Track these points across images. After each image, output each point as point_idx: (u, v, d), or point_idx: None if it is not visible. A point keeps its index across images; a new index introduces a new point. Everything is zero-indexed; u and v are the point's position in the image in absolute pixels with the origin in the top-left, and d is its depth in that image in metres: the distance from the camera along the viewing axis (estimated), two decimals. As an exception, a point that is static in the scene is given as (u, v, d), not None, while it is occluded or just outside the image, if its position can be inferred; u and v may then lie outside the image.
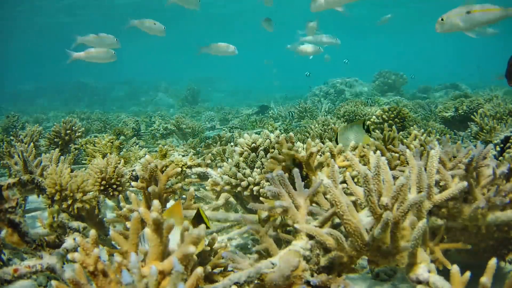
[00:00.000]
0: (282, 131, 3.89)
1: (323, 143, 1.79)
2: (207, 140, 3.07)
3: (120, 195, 1.58)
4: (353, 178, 1.44)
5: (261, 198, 1.54)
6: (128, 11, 15.54)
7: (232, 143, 2.72)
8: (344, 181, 1.18)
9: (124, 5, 14.89)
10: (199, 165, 1.97)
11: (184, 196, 2.02)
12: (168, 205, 1.40)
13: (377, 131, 2.06)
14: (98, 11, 15.42)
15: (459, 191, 1.04)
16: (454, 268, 0.78)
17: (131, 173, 2.02)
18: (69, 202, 1.47)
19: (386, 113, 3.09)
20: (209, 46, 4.05)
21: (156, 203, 0.81)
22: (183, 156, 2.45)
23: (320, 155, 1.51)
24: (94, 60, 3.74)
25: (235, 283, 0.84)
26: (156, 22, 3.67)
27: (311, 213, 1.10)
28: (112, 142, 2.61)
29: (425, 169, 1.05)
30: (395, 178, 1.09)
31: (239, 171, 1.62)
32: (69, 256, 0.75)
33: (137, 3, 14.69)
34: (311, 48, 4.94)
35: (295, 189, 1.08)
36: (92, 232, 0.80)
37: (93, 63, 3.61)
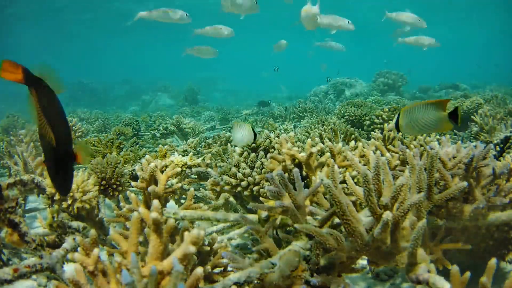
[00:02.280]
0: (282, 130, 3.89)
1: (323, 143, 1.79)
2: (207, 140, 3.07)
3: (120, 195, 1.58)
4: (353, 178, 1.44)
5: (261, 198, 1.54)
6: (128, 11, 15.53)
7: (232, 143, 2.72)
8: (344, 181, 1.18)
9: (125, 7, 14.89)
10: (199, 165, 1.97)
11: (184, 196, 2.02)
12: (168, 205, 1.40)
13: (377, 131, 2.06)
14: (99, 11, 15.42)
15: (459, 191, 1.04)
16: (454, 268, 0.78)
17: (131, 173, 2.02)
18: (69, 202, 1.47)
19: (386, 113, 3.09)
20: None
21: (156, 203, 0.81)
22: (183, 156, 2.45)
23: (320, 155, 1.51)
24: (200, 56, 4.00)
25: (235, 283, 0.84)
26: (222, 26, 3.68)
27: (311, 213, 1.10)
28: (112, 142, 2.61)
29: (425, 169, 1.05)
30: (395, 178, 1.09)
31: (239, 171, 1.62)
32: (69, 256, 0.75)
33: (137, 3, 14.68)
34: (338, 45, 5.67)
35: (295, 189, 1.08)
36: (92, 232, 0.81)
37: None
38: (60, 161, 0.77)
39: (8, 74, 0.69)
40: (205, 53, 4.39)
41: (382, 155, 1.56)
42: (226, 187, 1.66)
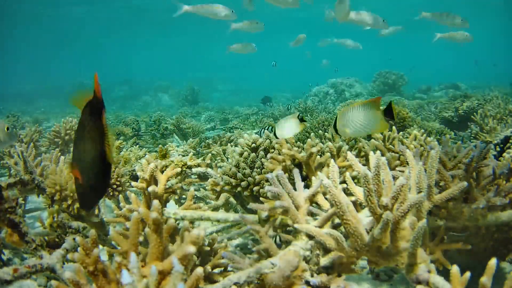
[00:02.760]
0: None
1: (323, 143, 1.79)
2: (207, 140, 3.07)
3: (120, 195, 1.58)
4: (353, 178, 1.44)
5: (261, 198, 1.54)
6: (130, 11, 15.55)
7: (232, 143, 2.72)
8: (344, 181, 1.18)
9: (126, 7, 14.89)
10: (199, 165, 1.97)
11: (184, 196, 2.02)
12: (169, 205, 1.40)
13: (377, 131, 2.05)
14: (99, 11, 15.42)
15: (459, 191, 1.04)
16: (454, 268, 0.78)
17: (131, 173, 2.02)
18: (69, 202, 1.47)
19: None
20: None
21: (156, 203, 0.81)
22: (183, 156, 2.45)
23: (320, 155, 1.51)
24: (241, 52, 4.12)
25: (235, 283, 0.84)
26: (257, 22, 3.68)
27: (311, 213, 1.10)
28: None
29: (425, 170, 1.05)
30: (395, 178, 1.09)
31: (239, 171, 1.62)
32: (69, 256, 0.75)
33: (138, 4, 14.69)
34: (355, 43, 5.79)
35: (295, 189, 1.08)
36: (92, 232, 0.80)
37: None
38: (104, 180, 0.77)
39: (96, 85, 0.73)
40: (245, 49, 4.45)
41: (382, 155, 1.56)
42: (226, 187, 1.66)
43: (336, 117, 1.30)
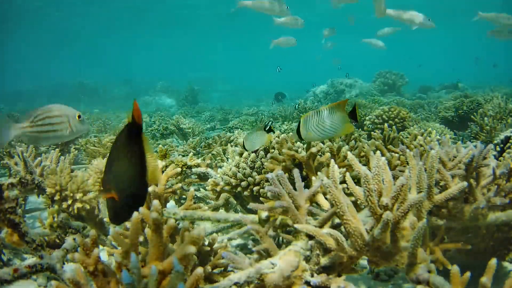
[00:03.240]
0: (283, 131, 3.89)
1: (323, 143, 1.79)
2: (207, 140, 3.07)
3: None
4: (353, 178, 1.44)
5: (261, 198, 1.54)
6: (131, 11, 15.54)
7: (232, 143, 2.72)
8: (344, 181, 1.18)
9: (126, 7, 14.89)
10: (199, 165, 1.97)
11: (184, 196, 2.02)
12: (169, 205, 1.40)
13: (377, 131, 2.06)
14: (99, 11, 15.43)
15: (459, 191, 1.04)
16: (454, 268, 0.78)
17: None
18: (69, 202, 1.47)
19: (386, 113, 3.09)
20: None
21: (156, 203, 0.81)
22: (183, 156, 2.45)
23: (320, 155, 1.51)
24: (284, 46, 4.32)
25: (235, 283, 0.84)
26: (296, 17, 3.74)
27: (311, 213, 1.10)
28: (112, 142, 2.61)
29: (425, 169, 1.05)
30: (395, 178, 1.09)
31: (239, 171, 1.62)
32: (69, 256, 0.75)
33: (138, 4, 14.68)
34: (380, 43, 6.11)
35: (295, 189, 1.08)
36: (92, 232, 0.80)
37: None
38: (141, 199, 0.79)
39: (136, 111, 0.75)
40: (287, 43, 4.71)
41: (382, 155, 1.56)
42: (226, 187, 1.66)
43: (299, 123, 1.29)
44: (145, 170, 0.75)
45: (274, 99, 6.83)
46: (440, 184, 1.15)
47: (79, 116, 1.27)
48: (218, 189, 1.76)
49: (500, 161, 1.45)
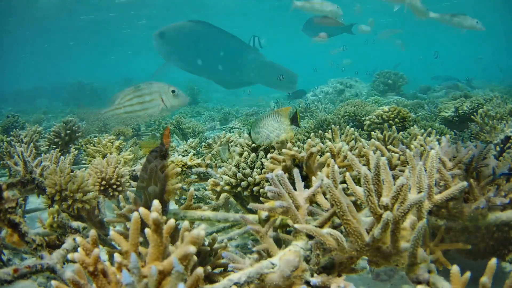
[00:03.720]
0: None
1: (323, 143, 1.79)
2: (207, 140, 3.07)
3: (120, 195, 1.58)
4: (353, 178, 1.44)
5: (261, 198, 1.54)
6: (128, 10, 15.53)
7: (232, 143, 2.72)
8: (344, 181, 1.18)
9: (125, 5, 14.88)
10: (199, 165, 1.97)
11: (184, 196, 2.02)
12: (168, 205, 1.40)
13: (377, 131, 2.06)
14: (99, 11, 15.42)
15: (459, 191, 1.04)
16: (454, 268, 0.78)
17: (131, 173, 2.01)
18: (69, 202, 1.47)
19: (386, 113, 3.09)
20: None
21: (156, 203, 0.81)
22: (183, 156, 2.45)
23: (320, 155, 1.51)
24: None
25: (235, 283, 0.84)
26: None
27: (311, 213, 1.10)
28: (112, 142, 2.61)
29: (425, 169, 1.05)
30: (395, 178, 1.09)
31: (239, 171, 1.62)
32: (69, 256, 0.75)
33: (137, 4, 14.67)
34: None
35: (295, 189, 1.08)
36: (92, 232, 0.80)
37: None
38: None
39: (166, 137, 0.78)
40: (316, 9, 4.65)
41: (382, 155, 1.56)
42: (226, 187, 1.66)
43: (251, 125, 1.40)
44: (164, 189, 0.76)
45: (293, 95, 6.67)
46: (440, 184, 1.15)
47: (173, 91, 1.24)
48: (218, 189, 1.76)
49: (500, 161, 1.45)
